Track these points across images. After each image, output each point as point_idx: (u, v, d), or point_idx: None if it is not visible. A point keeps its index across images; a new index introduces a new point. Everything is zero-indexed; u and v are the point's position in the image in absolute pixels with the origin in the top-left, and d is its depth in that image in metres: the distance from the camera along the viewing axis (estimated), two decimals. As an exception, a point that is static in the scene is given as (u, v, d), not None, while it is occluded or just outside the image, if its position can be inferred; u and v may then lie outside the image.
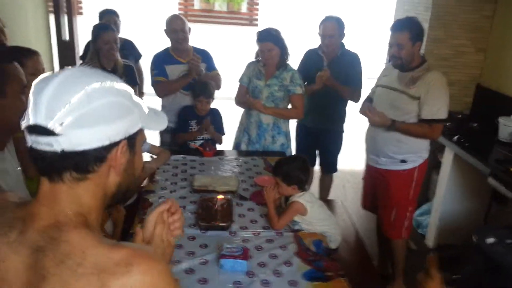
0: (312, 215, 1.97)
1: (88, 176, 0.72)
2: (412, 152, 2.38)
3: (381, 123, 2.29)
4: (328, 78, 2.84)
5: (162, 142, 3.15)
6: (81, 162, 0.70)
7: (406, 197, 2.44)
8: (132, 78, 2.98)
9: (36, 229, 0.70)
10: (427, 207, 3.39)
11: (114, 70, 2.79)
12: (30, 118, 0.68)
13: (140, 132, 0.79)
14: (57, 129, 0.66)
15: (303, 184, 2.03)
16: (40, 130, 0.67)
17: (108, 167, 0.74)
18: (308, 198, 1.99)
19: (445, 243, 1.35)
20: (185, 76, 2.87)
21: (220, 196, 2.08)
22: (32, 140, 0.68)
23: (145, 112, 0.80)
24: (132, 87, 2.79)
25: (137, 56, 3.80)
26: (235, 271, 1.64)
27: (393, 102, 2.35)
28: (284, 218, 1.96)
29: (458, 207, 3.09)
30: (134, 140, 0.78)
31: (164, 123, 0.85)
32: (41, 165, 0.70)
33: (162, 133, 3.13)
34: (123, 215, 2.03)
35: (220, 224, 1.94)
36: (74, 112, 0.67)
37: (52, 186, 0.72)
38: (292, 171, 2.00)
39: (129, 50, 3.63)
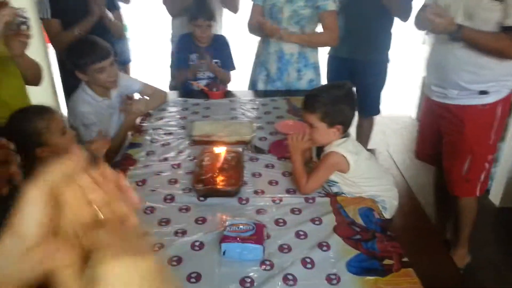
0: (356, 172, 1.36)
1: None
2: (495, 80, 1.72)
3: (445, 26, 1.65)
4: None
5: (173, 76, 2.55)
6: None
7: (485, 141, 1.82)
8: None
9: None
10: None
11: None
12: None
13: None
14: None
15: (348, 125, 1.40)
16: None
17: None
18: (351, 148, 1.36)
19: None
20: None
21: (226, 148, 1.49)
22: None
23: None
24: (111, 11, 2.04)
25: None
26: (244, 260, 1.09)
27: (467, 9, 1.68)
28: (317, 176, 1.36)
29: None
30: None
31: None
32: None
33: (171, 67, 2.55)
34: None
35: (225, 189, 1.37)
36: None
37: None
38: (336, 103, 1.35)
39: None
